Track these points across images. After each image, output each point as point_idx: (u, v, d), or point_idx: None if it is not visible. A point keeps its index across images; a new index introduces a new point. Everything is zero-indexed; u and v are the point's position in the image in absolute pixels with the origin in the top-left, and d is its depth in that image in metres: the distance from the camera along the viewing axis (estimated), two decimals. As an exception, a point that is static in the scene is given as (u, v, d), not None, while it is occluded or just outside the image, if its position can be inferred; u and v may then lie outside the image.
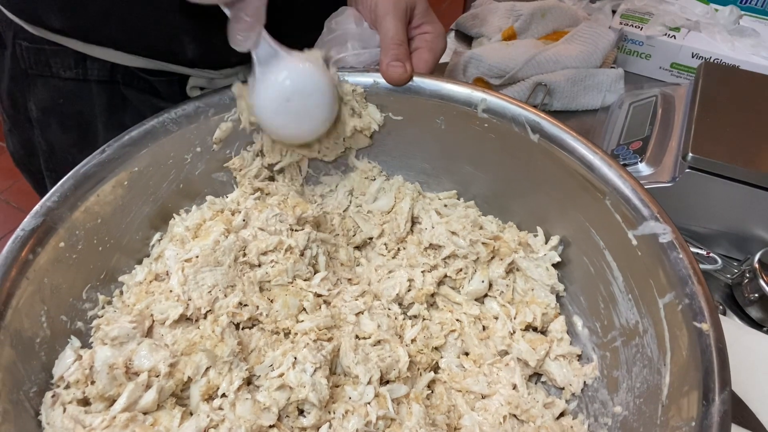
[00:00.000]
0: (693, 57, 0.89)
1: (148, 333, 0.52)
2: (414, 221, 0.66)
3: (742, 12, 0.93)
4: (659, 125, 0.74)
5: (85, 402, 0.48)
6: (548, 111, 0.71)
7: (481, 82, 0.88)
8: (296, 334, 0.54)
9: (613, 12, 0.99)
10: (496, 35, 0.95)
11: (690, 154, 0.64)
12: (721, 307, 0.65)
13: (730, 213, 0.67)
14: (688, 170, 0.65)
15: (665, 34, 0.90)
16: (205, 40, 0.61)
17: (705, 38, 0.89)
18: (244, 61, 0.58)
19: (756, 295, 0.62)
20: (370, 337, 0.55)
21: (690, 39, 0.89)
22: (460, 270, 0.61)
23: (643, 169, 0.70)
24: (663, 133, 0.72)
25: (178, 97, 0.67)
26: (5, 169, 2.24)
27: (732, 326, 0.61)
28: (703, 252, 0.66)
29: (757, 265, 0.62)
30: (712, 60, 0.87)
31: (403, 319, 0.59)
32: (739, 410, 0.55)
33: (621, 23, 0.92)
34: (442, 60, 1.00)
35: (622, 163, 0.62)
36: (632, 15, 0.93)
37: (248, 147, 0.65)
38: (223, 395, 0.48)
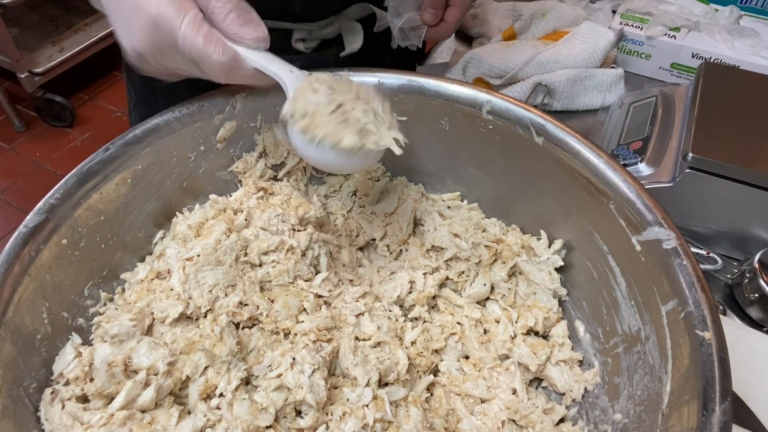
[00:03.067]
0: (693, 57, 0.88)
1: (148, 331, 0.52)
2: (417, 223, 0.66)
3: (742, 12, 0.92)
4: (659, 125, 0.73)
5: (84, 399, 0.48)
6: (548, 111, 0.71)
7: (480, 82, 0.88)
8: (296, 334, 0.54)
9: (613, 12, 0.98)
10: (496, 35, 0.95)
11: (690, 154, 0.64)
12: (721, 307, 0.64)
13: (730, 213, 0.66)
14: (688, 170, 0.64)
15: (665, 34, 0.89)
16: None
17: (705, 38, 0.88)
18: (341, 10, 0.77)
19: (756, 295, 0.62)
20: (369, 339, 0.55)
21: (690, 39, 0.88)
22: (462, 272, 0.61)
23: (643, 169, 0.69)
24: (663, 133, 0.72)
25: (288, 50, 0.79)
26: (5, 169, 2.27)
27: (732, 326, 0.61)
28: (703, 252, 0.65)
29: (757, 265, 0.62)
30: (712, 60, 0.87)
31: (404, 321, 0.58)
32: (739, 410, 0.54)
33: (621, 23, 0.91)
34: (442, 60, 1.00)
35: (621, 163, 0.61)
36: (632, 15, 0.92)
37: (252, 150, 0.65)
38: (221, 395, 0.49)
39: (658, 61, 0.91)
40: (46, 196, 0.52)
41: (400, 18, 0.75)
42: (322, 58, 0.82)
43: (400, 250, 0.65)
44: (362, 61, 0.84)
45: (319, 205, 0.64)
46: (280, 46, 0.77)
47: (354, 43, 0.81)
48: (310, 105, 0.50)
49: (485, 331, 0.59)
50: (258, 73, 0.52)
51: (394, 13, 0.76)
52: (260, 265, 0.57)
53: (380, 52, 0.88)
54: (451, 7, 0.74)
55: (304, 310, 0.56)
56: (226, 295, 0.54)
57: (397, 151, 0.50)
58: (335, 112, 0.50)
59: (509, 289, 0.61)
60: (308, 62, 0.81)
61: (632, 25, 0.91)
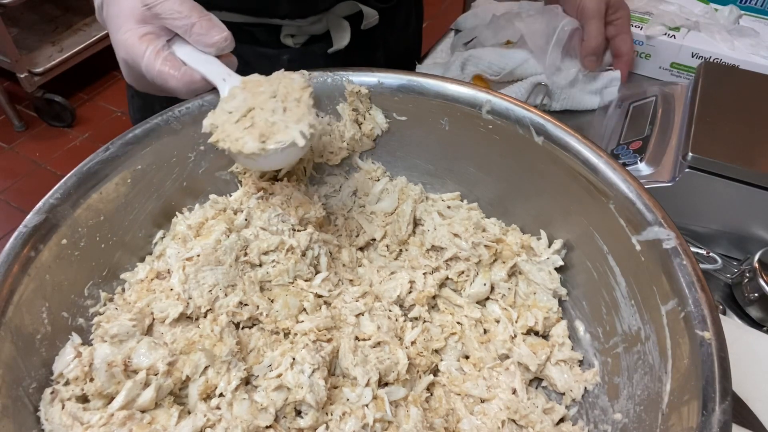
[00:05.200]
0: (693, 57, 0.88)
1: (148, 331, 0.52)
2: (416, 223, 0.66)
3: (742, 12, 0.92)
4: (659, 125, 0.73)
5: (84, 399, 0.48)
6: (548, 111, 0.71)
7: (479, 80, 0.88)
8: (296, 334, 0.54)
9: None
10: (499, 35, 0.95)
11: (690, 154, 0.64)
12: (721, 307, 0.65)
13: (730, 213, 0.66)
14: (688, 170, 0.64)
15: (665, 34, 0.89)
16: None
17: (705, 38, 0.88)
18: (328, 8, 0.80)
19: (756, 294, 0.62)
20: (369, 339, 0.55)
21: (690, 39, 0.88)
22: (462, 272, 0.61)
23: (643, 169, 0.69)
24: (663, 133, 0.72)
25: (275, 43, 0.83)
26: (5, 169, 2.27)
27: (732, 326, 0.61)
28: (703, 252, 0.65)
29: (756, 265, 0.62)
30: (711, 60, 0.87)
31: (404, 321, 0.58)
32: (739, 410, 0.54)
33: None
34: (442, 60, 0.99)
35: (621, 162, 0.61)
36: (632, 15, 0.92)
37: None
38: (221, 395, 0.49)
39: (658, 60, 0.92)
40: (46, 196, 0.52)
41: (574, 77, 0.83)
42: (310, 52, 0.85)
43: (400, 250, 0.65)
44: (352, 58, 0.85)
45: (319, 205, 0.64)
46: (268, 40, 0.84)
47: (341, 40, 0.83)
48: (220, 117, 0.52)
49: (485, 331, 0.59)
50: (207, 83, 0.56)
51: (552, 70, 0.81)
52: (260, 265, 0.57)
53: (371, 50, 0.89)
54: (618, 36, 0.84)
55: (304, 310, 0.56)
56: (226, 295, 0.54)
57: (300, 142, 0.50)
58: (244, 118, 0.52)
59: (509, 288, 0.61)
60: (297, 56, 0.84)
61: (632, 25, 0.91)
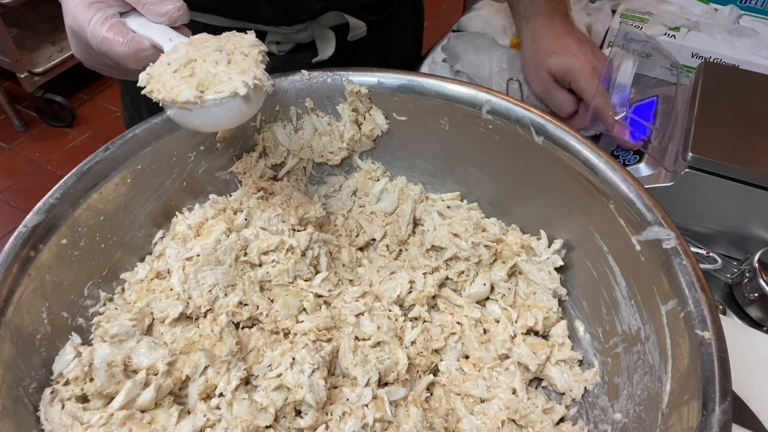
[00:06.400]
0: (693, 57, 0.88)
1: (148, 331, 0.52)
2: (416, 223, 0.66)
3: (742, 12, 0.92)
4: (659, 125, 0.73)
5: (83, 399, 0.48)
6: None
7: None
8: (296, 334, 0.54)
9: (613, 12, 0.98)
10: (501, 36, 0.95)
11: (690, 154, 0.64)
12: (721, 307, 0.65)
13: (730, 213, 0.66)
14: (688, 170, 0.64)
15: (665, 34, 0.89)
16: (276, 2, 0.74)
17: (705, 38, 0.88)
18: (313, 17, 0.79)
19: (756, 294, 0.62)
20: (369, 339, 0.55)
21: (690, 39, 0.89)
22: (462, 272, 0.61)
23: (643, 169, 0.69)
24: (663, 133, 0.72)
25: None
26: (5, 169, 2.27)
27: (732, 326, 0.61)
28: (703, 252, 0.65)
29: (756, 265, 0.62)
30: (711, 60, 0.87)
31: (404, 320, 0.58)
32: (739, 410, 0.54)
33: (621, 22, 0.92)
34: (440, 58, 0.99)
35: (621, 163, 0.61)
36: (632, 15, 0.92)
37: (252, 151, 0.65)
38: (221, 395, 0.49)
39: (658, 60, 0.91)
40: (46, 196, 0.52)
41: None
42: (294, 60, 0.83)
43: (400, 250, 0.65)
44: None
45: (319, 205, 0.64)
46: None
47: (326, 50, 0.83)
48: (157, 69, 0.48)
49: (485, 331, 0.59)
50: (159, 50, 0.50)
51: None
52: (260, 265, 0.57)
53: (359, 61, 0.88)
54: (587, 101, 0.75)
55: (304, 309, 0.56)
56: (225, 294, 0.54)
57: (242, 90, 0.46)
58: (183, 68, 0.47)
59: (509, 288, 0.61)
60: (281, 64, 0.82)
61: (632, 25, 0.91)
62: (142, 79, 0.49)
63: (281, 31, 0.80)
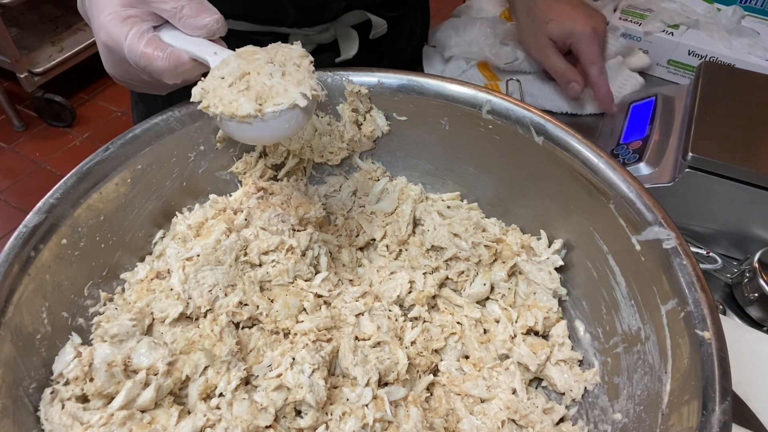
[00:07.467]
0: (690, 54, 0.89)
1: (148, 331, 0.52)
2: (416, 223, 0.66)
3: (745, 12, 0.92)
4: (659, 125, 0.73)
5: (83, 399, 0.48)
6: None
7: (484, 68, 0.89)
8: (296, 334, 0.54)
9: (615, 10, 0.98)
10: (494, 13, 0.96)
11: (690, 154, 0.64)
12: (721, 307, 0.65)
13: (730, 213, 0.66)
14: (688, 170, 0.64)
15: (663, 31, 0.90)
16: (301, 6, 0.75)
17: (703, 36, 0.88)
18: (336, 17, 0.80)
19: (756, 294, 0.62)
20: (369, 339, 0.55)
21: (687, 36, 0.89)
22: (462, 272, 0.61)
23: (643, 169, 0.69)
24: (663, 132, 0.72)
25: None
26: (5, 169, 2.27)
27: (732, 326, 0.61)
28: (703, 252, 0.65)
29: (756, 265, 0.62)
30: (708, 58, 0.87)
31: (404, 320, 0.58)
32: (739, 410, 0.54)
33: (621, 18, 0.92)
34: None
35: (621, 162, 0.61)
36: (632, 11, 0.93)
37: (252, 150, 0.65)
38: (221, 395, 0.49)
39: (654, 57, 0.92)
40: (46, 196, 0.52)
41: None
42: (318, 62, 0.83)
43: (400, 250, 0.65)
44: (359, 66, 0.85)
45: (319, 205, 0.64)
46: None
47: (350, 50, 0.83)
48: (211, 83, 0.48)
49: (485, 331, 0.59)
50: (199, 64, 0.51)
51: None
52: (260, 265, 0.57)
53: (377, 60, 0.88)
54: (583, 65, 0.79)
55: (304, 309, 0.56)
56: (225, 295, 0.54)
57: (302, 102, 0.46)
58: (239, 82, 0.47)
59: (509, 288, 0.61)
60: None
61: (631, 21, 0.91)
62: (196, 94, 0.48)
63: (303, 33, 0.80)
